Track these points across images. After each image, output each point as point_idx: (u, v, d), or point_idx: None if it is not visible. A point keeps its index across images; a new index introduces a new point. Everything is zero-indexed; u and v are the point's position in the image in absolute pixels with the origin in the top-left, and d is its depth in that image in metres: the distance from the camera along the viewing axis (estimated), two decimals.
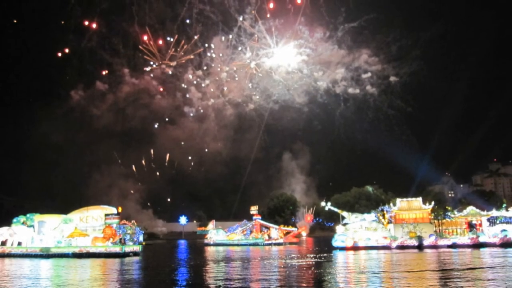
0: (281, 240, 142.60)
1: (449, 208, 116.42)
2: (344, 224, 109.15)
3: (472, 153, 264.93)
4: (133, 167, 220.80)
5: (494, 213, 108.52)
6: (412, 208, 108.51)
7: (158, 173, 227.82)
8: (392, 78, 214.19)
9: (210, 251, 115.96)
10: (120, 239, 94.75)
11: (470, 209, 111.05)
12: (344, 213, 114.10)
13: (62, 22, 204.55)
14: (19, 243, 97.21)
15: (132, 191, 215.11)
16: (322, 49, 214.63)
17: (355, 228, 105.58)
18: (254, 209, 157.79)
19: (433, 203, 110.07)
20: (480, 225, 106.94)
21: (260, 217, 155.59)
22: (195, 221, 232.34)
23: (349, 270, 63.20)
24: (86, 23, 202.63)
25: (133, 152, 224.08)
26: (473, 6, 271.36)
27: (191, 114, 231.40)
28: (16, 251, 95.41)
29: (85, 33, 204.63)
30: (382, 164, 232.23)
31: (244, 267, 67.69)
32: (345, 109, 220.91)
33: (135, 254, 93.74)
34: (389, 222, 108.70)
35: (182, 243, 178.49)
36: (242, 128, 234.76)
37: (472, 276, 51.44)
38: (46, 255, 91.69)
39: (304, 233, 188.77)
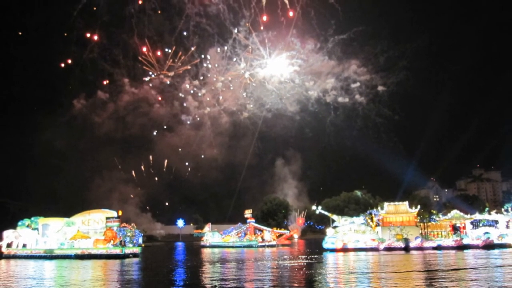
0: (274, 242, 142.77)
1: (434, 212, 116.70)
2: (334, 227, 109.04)
3: (456, 159, 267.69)
4: (133, 172, 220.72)
5: (477, 216, 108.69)
6: (399, 211, 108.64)
7: (156, 178, 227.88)
8: (380, 88, 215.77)
9: (206, 252, 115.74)
10: (121, 241, 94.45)
11: (454, 212, 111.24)
12: (334, 217, 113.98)
13: (65, 34, 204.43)
14: (24, 245, 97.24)
15: (132, 196, 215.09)
16: (313, 60, 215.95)
17: (345, 231, 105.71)
18: (248, 213, 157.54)
19: (419, 207, 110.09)
20: (464, 228, 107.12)
21: (254, 220, 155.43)
22: (192, 224, 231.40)
23: (338, 271, 63.28)
24: (88, 35, 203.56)
25: (132, 158, 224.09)
26: (457, 20, 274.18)
27: (188, 122, 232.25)
28: (21, 252, 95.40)
29: (87, 44, 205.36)
30: (371, 169, 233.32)
31: (238, 268, 67.69)
32: (335, 117, 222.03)
33: (134, 255, 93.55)
34: (377, 225, 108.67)
35: (180, 245, 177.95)
36: (237, 136, 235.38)
37: (456, 276, 51.64)
38: (49, 256, 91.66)
39: (296, 236, 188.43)
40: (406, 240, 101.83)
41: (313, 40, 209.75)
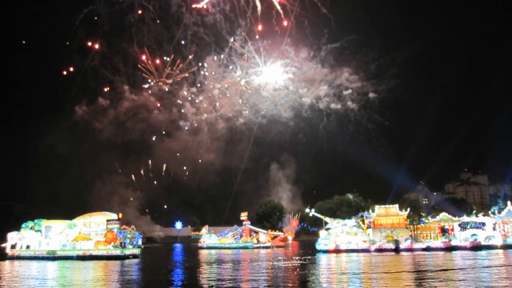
0: (268, 244, 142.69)
1: (423, 214, 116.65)
2: (327, 229, 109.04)
3: (444, 163, 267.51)
4: (133, 176, 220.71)
5: (465, 219, 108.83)
6: (389, 214, 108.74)
7: (155, 182, 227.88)
8: (371, 95, 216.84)
9: (204, 254, 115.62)
10: (121, 242, 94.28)
11: (443, 215, 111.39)
12: (327, 219, 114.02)
13: (67, 43, 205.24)
14: (28, 247, 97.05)
15: (131, 199, 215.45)
16: (306, 68, 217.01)
17: (337, 233, 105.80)
18: (244, 215, 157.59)
19: (408, 209, 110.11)
20: (452, 230, 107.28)
21: (249, 222, 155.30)
22: (189, 226, 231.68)
23: (331, 271, 63.34)
24: (89, 43, 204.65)
25: (132, 162, 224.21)
26: (446, 29, 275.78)
27: (186, 128, 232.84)
28: (25, 254, 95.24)
29: (88, 53, 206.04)
30: (362, 173, 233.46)
31: (234, 269, 67.69)
32: (327, 123, 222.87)
33: (134, 256, 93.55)
34: (368, 227, 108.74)
35: (178, 246, 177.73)
36: (233, 141, 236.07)
37: (445, 277, 51.77)
38: (52, 257, 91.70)
39: (290, 237, 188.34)
40: (396, 242, 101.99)
41: (306, 49, 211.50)
